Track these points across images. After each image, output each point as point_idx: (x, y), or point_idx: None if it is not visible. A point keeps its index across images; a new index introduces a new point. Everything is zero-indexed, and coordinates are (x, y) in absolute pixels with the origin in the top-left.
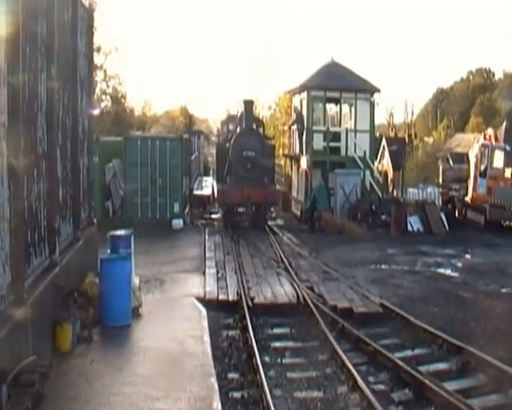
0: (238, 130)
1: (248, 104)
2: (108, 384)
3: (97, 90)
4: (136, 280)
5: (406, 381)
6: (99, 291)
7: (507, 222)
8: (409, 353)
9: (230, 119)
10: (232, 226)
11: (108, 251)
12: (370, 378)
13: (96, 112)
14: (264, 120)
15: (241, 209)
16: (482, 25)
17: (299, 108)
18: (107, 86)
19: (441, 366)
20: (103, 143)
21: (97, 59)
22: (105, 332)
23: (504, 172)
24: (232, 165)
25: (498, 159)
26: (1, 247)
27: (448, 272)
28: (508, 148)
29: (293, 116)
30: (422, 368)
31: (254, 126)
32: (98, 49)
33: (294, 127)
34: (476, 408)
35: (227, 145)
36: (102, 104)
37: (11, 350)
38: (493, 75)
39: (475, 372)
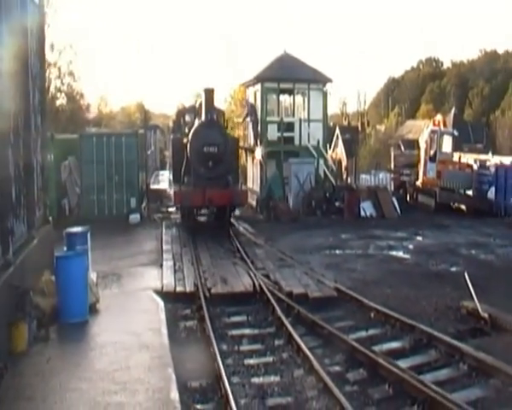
0: (197, 122)
1: (209, 93)
2: (65, 381)
3: (52, 88)
4: (93, 276)
5: (361, 361)
6: (55, 289)
7: (456, 204)
8: (363, 334)
9: (187, 109)
10: (191, 229)
11: (65, 248)
12: (326, 361)
13: None
14: None
15: (202, 211)
16: (431, 16)
17: (251, 101)
18: (62, 84)
19: (394, 344)
20: (58, 140)
21: (51, 56)
22: (62, 330)
23: (453, 156)
24: (191, 162)
25: (447, 144)
26: None
27: (400, 254)
28: (456, 133)
29: (246, 109)
30: (376, 348)
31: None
32: (51, 46)
33: (248, 119)
34: (427, 383)
35: (184, 140)
36: (57, 102)
37: None
38: (442, 64)
39: (427, 349)
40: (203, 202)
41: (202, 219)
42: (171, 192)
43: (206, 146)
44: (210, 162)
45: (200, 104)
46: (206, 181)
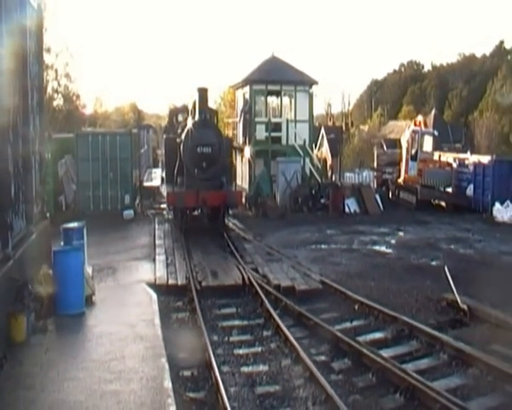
0: (190, 122)
1: (202, 92)
2: (63, 371)
3: (49, 89)
4: (89, 270)
5: (345, 351)
6: (53, 282)
7: (436, 201)
8: (347, 325)
9: (180, 109)
10: (184, 230)
11: (62, 243)
12: (312, 350)
13: None
14: None
15: (195, 213)
16: (413, 21)
17: (240, 102)
18: (59, 85)
19: (377, 335)
20: (56, 139)
21: (48, 58)
22: (60, 321)
23: (433, 155)
24: (184, 163)
25: (428, 143)
26: None
27: (383, 248)
28: (436, 133)
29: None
30: (360, 338)
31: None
32: (48, 49)
33: (241, 118)
34: (409, 371)
35: (178, 140)
36: (54, 102)
37: None
38: (423, 67)
39: (409, 339)
40: (197, 204)
41: (195, 220)
42: (164, 193)
43: (199, 146)
44: (204, 163)
45: (194, 104)
46: (200, 182)
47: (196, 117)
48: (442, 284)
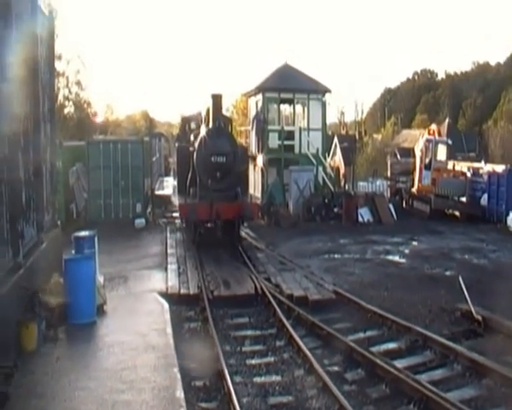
0: (203, 130)
1: (217, 99)
2: (74, 380)
3: (60, 96)
4: (100, 278)
5: (359, 361)
6: (64, 291)
7: (450, 210)
8: (361, 335)
9: (193, 116)
10: (198, 243)
11: (73, 251)
12: (325, 361)
13: None
14: None
15: (208, 224)
16: (427, 30)
17: (253, 110)
18: (70, 92)
19: (391, 345)
20: (67, 147)
21: (59, 66)
22: (71, 330)
23: (447, 164)
24: (198, 173)
25: (441, 152)
26: None
27: (396, 258)
28: (450, 142)
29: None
30: (374, 349)
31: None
32: (60, 57)
33: (254, 126)
34: (423, 382)
35: (190, 149)
36: (65, 110)
37: None
38: (436, 75)
39: (423, 350)
40: (210, 216)
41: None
42: (177, 203)
43: (213, 155)
44: (218, 173)
45: (207, 111)
46: (214, 193)
47: (210, 125)
48: (456, 295)
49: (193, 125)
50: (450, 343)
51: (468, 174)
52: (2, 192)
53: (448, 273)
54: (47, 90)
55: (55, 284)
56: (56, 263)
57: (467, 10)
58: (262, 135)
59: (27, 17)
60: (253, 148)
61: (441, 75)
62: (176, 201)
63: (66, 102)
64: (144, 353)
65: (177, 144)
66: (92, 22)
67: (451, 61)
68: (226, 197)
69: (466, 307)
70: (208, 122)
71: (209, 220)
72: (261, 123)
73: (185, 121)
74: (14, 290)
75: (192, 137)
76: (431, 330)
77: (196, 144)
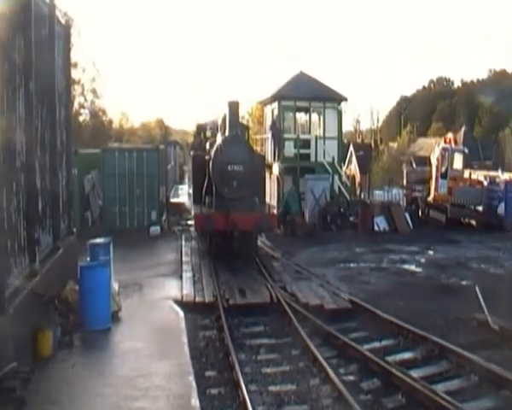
0: (219, 138)
1: (234, 105)
2: (89, 387)
3: (75, 104)
4: (115, 285)
5: (374, 371)
6: (79, 297)
7: (466, 219)
8: (376, 344)
9: (208, 124)
10: (214, 255)
11: (88, 259)
12: (341, 370)
13: None
14: None
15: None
16: (442, 37)
17: (269, 118)
18: (85, 100)
19: (407, 355)
20: (82, 155)
21: (75, 74)
22: (86, 337)
23: (463, 173)
24: (213, 182)
25: (458, 161)
26: None
27: (412, 267)
28: (466, 150)
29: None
30: (390, 358)
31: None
32: (75, 64)
33: (270, 135)
34: (439, 392)
35: (206, 157)
36: (81, 118)
37: None
38: (452, 83)
39: (439, 360)
40: (226, 227)
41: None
42: (191, 213)
43: (230, 164)
44: (234, 182)
45: (224, 118)
46: (230, 203)
47: (226, 133)
48: (472, 304)
49: (208, 134)
50: (467, 353)
51: (485, 183)
52: (19, 200)
53: (464, 283)
54: (63, 97)
55: (71, 291)
56: (72, 270)
57: (483, 18)
58: (278, 143)
59: (44, 26)
60: (269, 156)
61: (457, 83)
62: (191, 211)
63: (82, 110)
64: (159, 360)
65: (192, 153)
66: (108, 31)
67: (467, 68)
68: (243, 207)
69: (482, 317)
70: (224, 130)
71: (225, 231)
72: (278, 131)
73: (200, 129)
74: (30, 297)
75: (208, 146)
76: (447, 340)
77: (212, 153)
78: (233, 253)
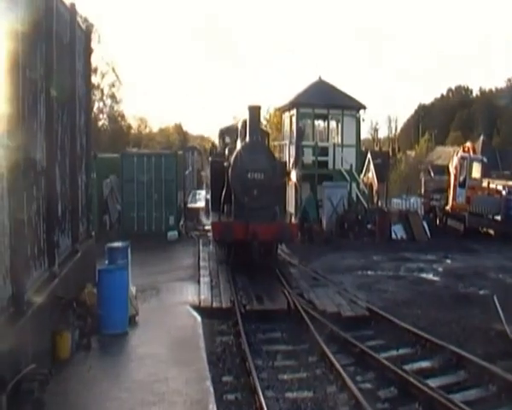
0: (239, 144)
1: (254, 110)
2: (106, 390)
3: (95, 109)
4: (132, 289)
5: (392, 379)
6: (97, 301)
7: (484, 229)
8: (394, 353)
9: (227, 130)
10: (232, 265)
11: (106, 262)
12: (358, 378)
13: None
14: None
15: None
16: (460, 46)
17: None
18: (105, 105)
19: (424, 364)
20: (101, 159)
21: (94, 79)
22: (103, 340)
23: (482, 182)
24: (233, 190)
25: (476, 170)
26: (1, 261)
27: (430, 276)
28: (485, 160)
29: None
30: (407, 367)
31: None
32: (95, 69)
33: (288, 142)
34: (457, 402)
35: (225, 164)
36: (100, 123)
37: (11, 360)
38: (471, 92)
39: (456, 369)
40: (246, 237)
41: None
42: (210, 222)
43: (250, 172)
44: (255, 190)
45: (244, 124)
46: (250, 212)
47: (247, 139)
48: (490, 314)
49: (227, 139)
50: (485, 363)
51: (503, 192)
52: (39, 204)
53: (482, 292)
54: (83, 103)
55: (89, 294)
56: (90, 273)
57: (502, 26)
58: (299, 149)
59: (65, 33)
60: (287, 163)
61: (476, 92)
62: (209, 218)
63: (101, 115)
64: (176, 365)
65: (210, 159)
66: (127, 36)
67: (486, 77)
68: (263, 216)
69: (500, 327)
70: (244, 136)
71: (244, 241)
72: (300, 138)
73: (219, 135)
74: (49, 299)
75: (227, 152)
76: (465, 350)
77: (231, 159)
78: (252, 264)
